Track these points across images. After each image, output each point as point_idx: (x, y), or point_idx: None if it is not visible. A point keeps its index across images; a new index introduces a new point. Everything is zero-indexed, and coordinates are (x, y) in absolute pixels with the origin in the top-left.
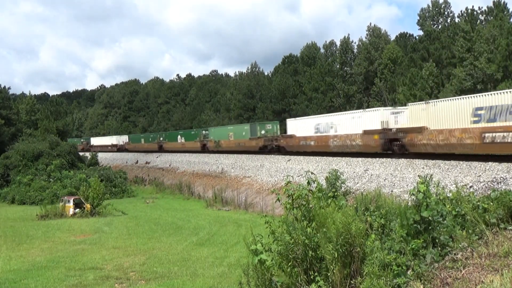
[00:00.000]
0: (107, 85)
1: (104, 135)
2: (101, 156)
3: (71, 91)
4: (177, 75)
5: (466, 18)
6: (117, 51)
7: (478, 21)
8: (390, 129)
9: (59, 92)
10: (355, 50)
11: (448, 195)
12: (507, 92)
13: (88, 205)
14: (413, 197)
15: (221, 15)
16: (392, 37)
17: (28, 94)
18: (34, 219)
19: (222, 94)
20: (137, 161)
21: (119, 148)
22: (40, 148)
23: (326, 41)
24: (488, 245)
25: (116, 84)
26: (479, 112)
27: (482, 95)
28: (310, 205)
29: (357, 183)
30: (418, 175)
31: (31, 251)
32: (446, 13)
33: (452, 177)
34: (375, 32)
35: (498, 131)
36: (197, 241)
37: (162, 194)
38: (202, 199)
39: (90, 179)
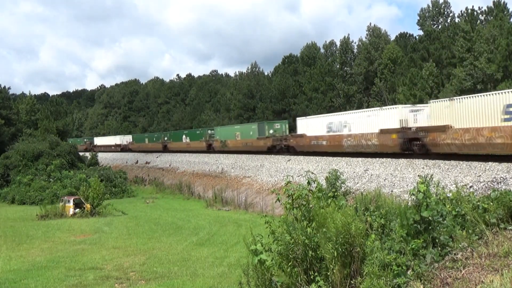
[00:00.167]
0: (107, 85)
1: (104, 135)
2: (101, 156)
3: (71, 91)
4: (177, 75)
5: (466, 18)
6: (117, 51)
7: (478, 21)
8: (410, 128)
9: (59, 92)
10: (355, 50)
11: (448, 195)
12: None
13: (88, 205)
14: (413, 197)
15: (221, 15)
16: (392, 37)
17: (28, 94)
18: (34, 219)
19: (222, 94)
20: (137, 161)
21: (122, 148)
22: (40, 148)
23: (326, 41)
24: (488, 245)
25: (116, 84)
26: (511, 109)
27: None
28: (310, 205)
29: (357, 183)
30: (418, 175)
31: (31, 251)
32: (446, 13)
33: (452, 177)
34: (375, 32)
35: None
36: (197, 241)
37: (162, 194)
38: (202, 199)
39: (90, 179)
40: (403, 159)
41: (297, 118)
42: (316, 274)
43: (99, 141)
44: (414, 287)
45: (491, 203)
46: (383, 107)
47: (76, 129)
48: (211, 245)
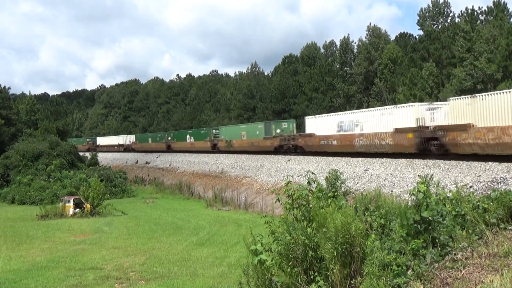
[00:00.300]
0: (107, 85)
1: (104, 135)
2: (101, 156)
3: (71, 91)
4: (177, 75)
5: (466, 18)
6: (117, 51)
7: (478, 21)
8: (427, 127)
9: (59, 92)
10: (355, 50)
11: (448, 195)
12: None
13: (88, 205)
14: (413, 197)
15: (221, 15)
16: (392, 37)
17: (28, 94)
18: (34, 219)
19: (222, 94)
20: (137, 161)
21: (125, 148)
22: (40, 148)
23: (326, 41)
24: (488, 245)
25: (116, 84)
26: None
27: None
28: (310, 205)
29: (357, 183)
30: (418, 175)
31: (31, 251)
32: (446, 13)
33: (452, 177)
34: (375, 32)
35: None
36: (197, 241)
37: (162, 194)
38: (202, 199)
39: (90, 179)
40: (403, 159)
41: (306, 117)
42: (316, 274)
43: (101, 141)
44: (414, 287)
45: (491, 203)
46: (398, 105)
47: (76, 129)
48: (211, 245)
